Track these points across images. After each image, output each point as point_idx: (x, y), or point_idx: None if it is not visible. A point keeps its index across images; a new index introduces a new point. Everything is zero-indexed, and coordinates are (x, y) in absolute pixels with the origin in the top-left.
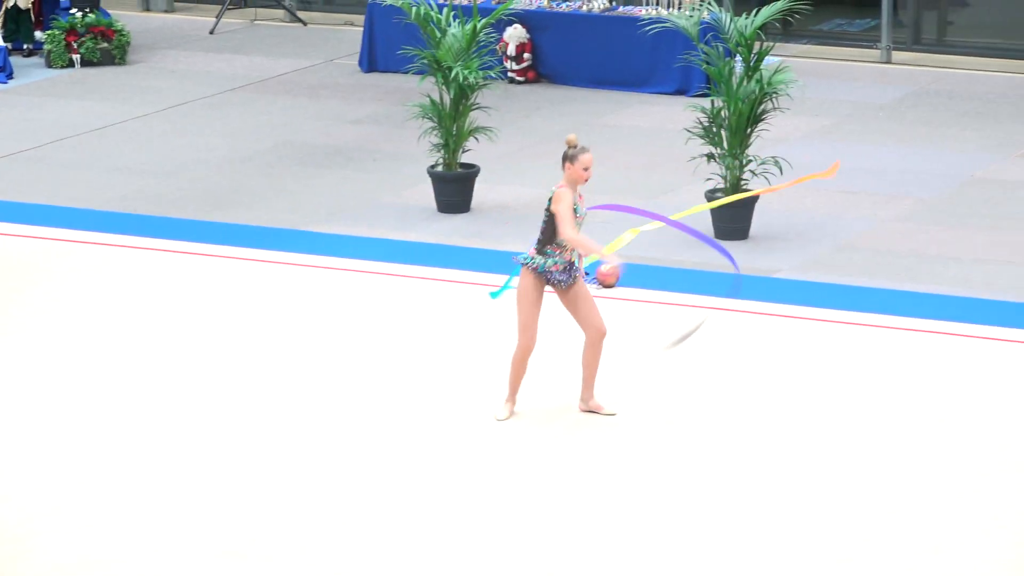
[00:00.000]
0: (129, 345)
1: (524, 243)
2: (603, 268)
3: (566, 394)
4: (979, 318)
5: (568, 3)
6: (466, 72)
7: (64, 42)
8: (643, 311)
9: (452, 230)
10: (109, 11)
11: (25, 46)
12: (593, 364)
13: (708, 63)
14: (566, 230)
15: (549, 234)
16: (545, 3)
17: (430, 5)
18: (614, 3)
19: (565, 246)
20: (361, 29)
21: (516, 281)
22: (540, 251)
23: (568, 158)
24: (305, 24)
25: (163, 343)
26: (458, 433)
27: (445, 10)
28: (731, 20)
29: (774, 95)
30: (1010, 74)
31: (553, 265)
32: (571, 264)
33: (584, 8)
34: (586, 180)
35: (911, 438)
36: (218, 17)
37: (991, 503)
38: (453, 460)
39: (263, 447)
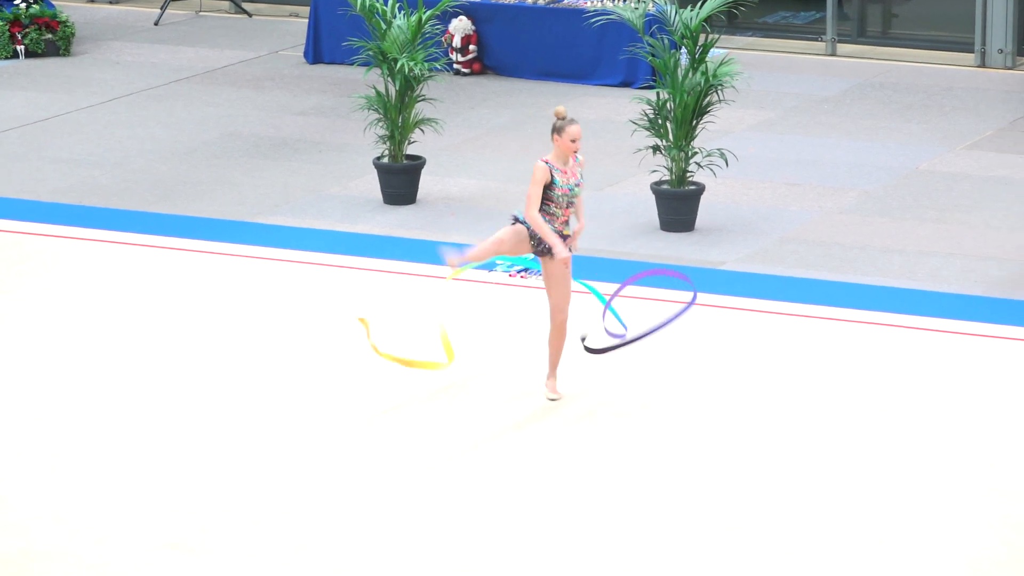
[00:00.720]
0: (76, 336)
1: (470, 234)
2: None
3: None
4: (923, 310)
5: None
6: (411, 64)
7: (8, 33)
8: (589, 303)
9: (398, 222)
10: (53, 2)
11: None
12: (554, 350)
13: (653, 55)
14: (529, 210)
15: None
16: None
17: None
18: None
19: (556, 215)
20: (306, 20)
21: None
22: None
23: (556, 130)
24: (250, 15)
25: (110, 334)
26: (427, 426)
27: (390, 2)
28: (676, 12)
29: (719, 87)
30: (954, 67)
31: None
32: (561, 235)
33: (530, 0)
34: (575, 152)
35: (855, 428)
36: (163, 8)
37: (934, 494)
38: (420, 454)
39: (214, 439)
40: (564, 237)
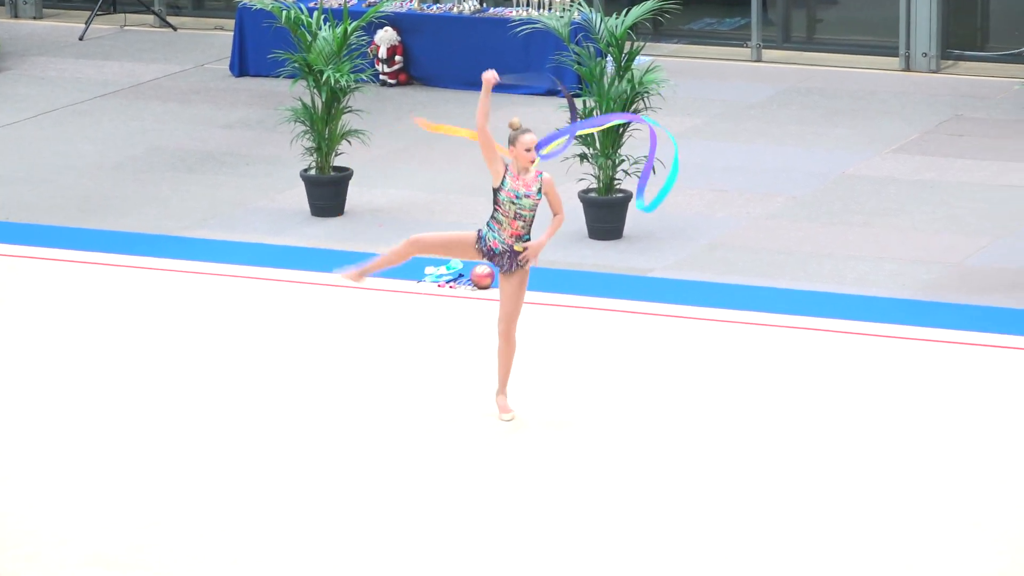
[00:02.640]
0: (1, 352)
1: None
2: (477, 269)
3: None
4: (853, 314)
5: (438, 5)
6: (337, 75)
7: None
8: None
9: (326, 234)
10: None
11: None
12: (501, 363)
13: (579, 63)
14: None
15: (492, 207)
16: (415, 5)
17: (300, 9)
18: (484, 5)
19: (503, 224)
20: (231, 34)
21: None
22: (487, 221)
23: (509, 141)
24: (175, 29)
25: (36, 349)
26: (343, 438)
27: (315, 13)
28: (601, 20)
29: (645, 95)
30: (880, 71)
31: (492, 240)
32: (510, 249)
33: (455, 10)
34: (532, 161)
35: (785, 433)
36: (87, 23)
37: (856, 500)
38: (374, 474)
39: (143, 454)
40: (516, 254)
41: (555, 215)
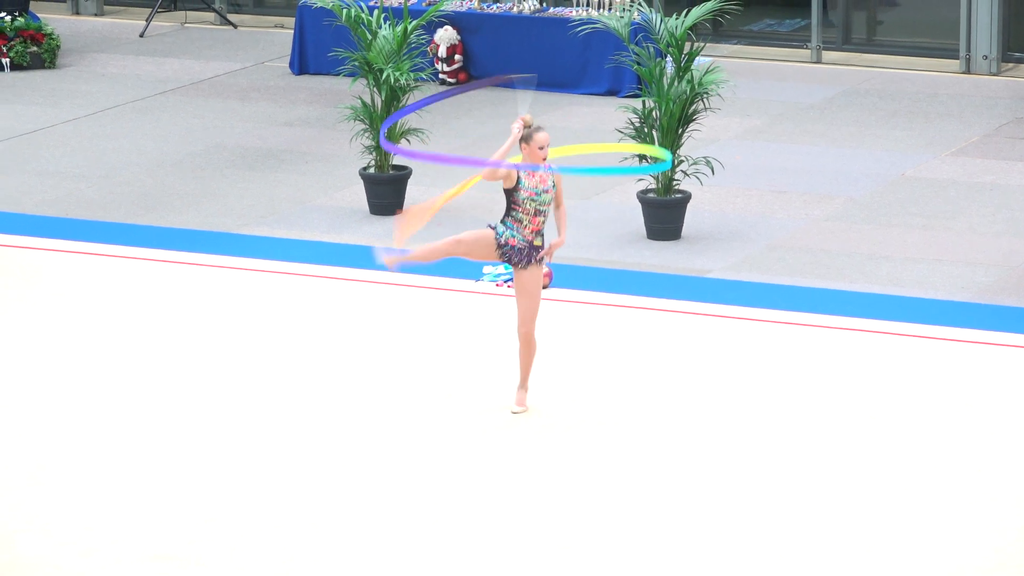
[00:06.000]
0: (60, 348)
1: None
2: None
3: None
4: (911, 316)
5: (499, 4)
6: (397, 74)
7: None
8: (575, 312)
9: (384, 232)
10: (38, 15)
11: None
12: (523, 362)
13: (639, 64)
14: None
15: (507, 207)
16: (476, 5)
17: (360, 7)
18: (545, 4)
19: (523, 222)
20: (292, 31)
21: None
22: (502, 220)
23: (523, 138)
24: (235, 27)
25: (95, 346)
26: (414, 438)
27: (376, 12)
28: (661, 21)
29: (705, 95)
30: (939, 73)
31: (511, 239)
32: (531, 246)
33: (515, 9)
34: (543, 160)
35: (843, 435)
36: (148, 20)
37: (924, 500)
38: (408, 464)
39: (201, 450)
40: (535, 248)
41: (558, 207)
